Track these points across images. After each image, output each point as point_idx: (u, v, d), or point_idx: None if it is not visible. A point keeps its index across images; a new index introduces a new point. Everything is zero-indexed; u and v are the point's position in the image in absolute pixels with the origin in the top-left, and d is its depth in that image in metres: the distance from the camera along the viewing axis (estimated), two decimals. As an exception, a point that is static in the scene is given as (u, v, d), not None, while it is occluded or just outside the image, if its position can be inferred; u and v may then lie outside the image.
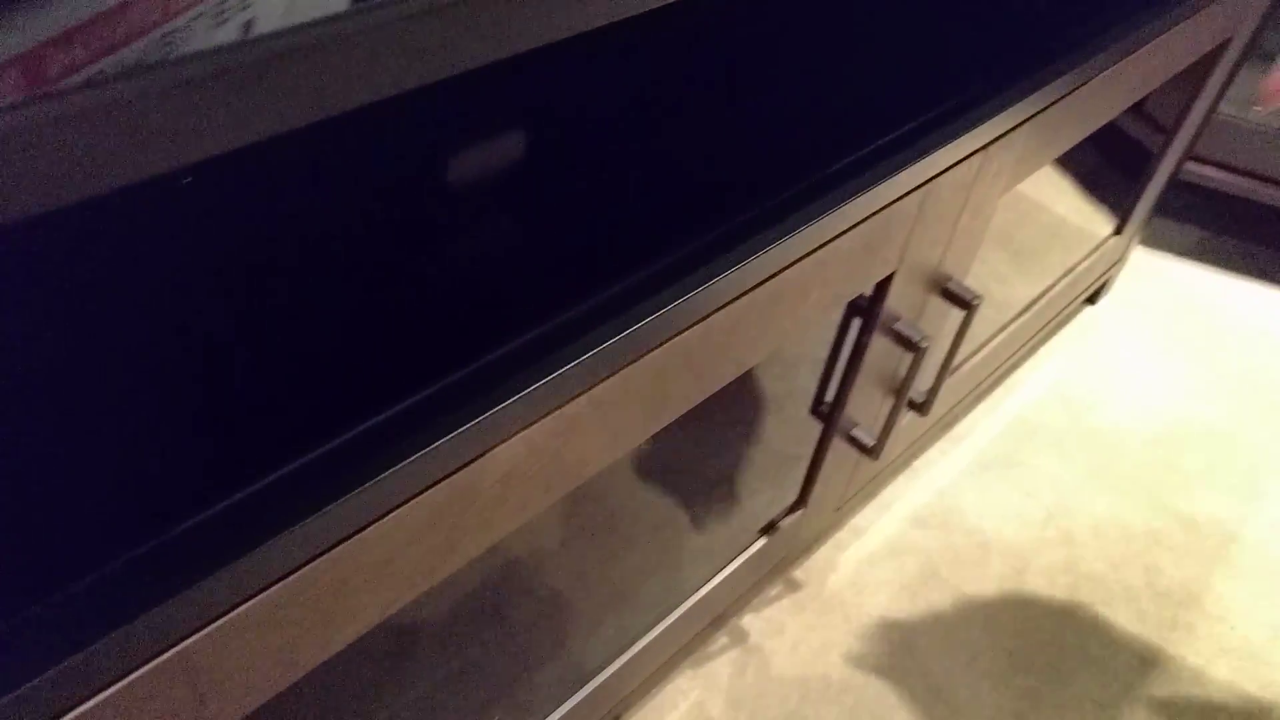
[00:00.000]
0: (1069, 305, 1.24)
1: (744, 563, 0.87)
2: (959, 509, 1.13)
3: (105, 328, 0.42)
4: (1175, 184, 1.57)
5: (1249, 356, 1.36)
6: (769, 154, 0.59)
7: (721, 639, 0.98)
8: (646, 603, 0.78)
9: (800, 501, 0.90)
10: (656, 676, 0.94)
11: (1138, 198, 1.17)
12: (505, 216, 0.51)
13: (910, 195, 0.64)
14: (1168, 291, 1.45)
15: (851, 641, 0.99)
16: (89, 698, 0.34)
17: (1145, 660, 1.00)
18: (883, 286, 0.71)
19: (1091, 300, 1.41)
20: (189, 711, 0.38)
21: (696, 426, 0.64)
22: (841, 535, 1.09)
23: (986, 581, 1.06)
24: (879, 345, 0.77)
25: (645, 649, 0.81)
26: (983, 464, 1.19)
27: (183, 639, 0.36)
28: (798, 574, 1.05)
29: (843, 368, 0.77)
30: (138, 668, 0.35)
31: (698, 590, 0.83)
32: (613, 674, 0.78)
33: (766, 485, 0.83)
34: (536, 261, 0.49)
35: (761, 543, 0.87)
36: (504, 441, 0.44)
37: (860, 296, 0.71)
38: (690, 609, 0.84)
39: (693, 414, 0.61)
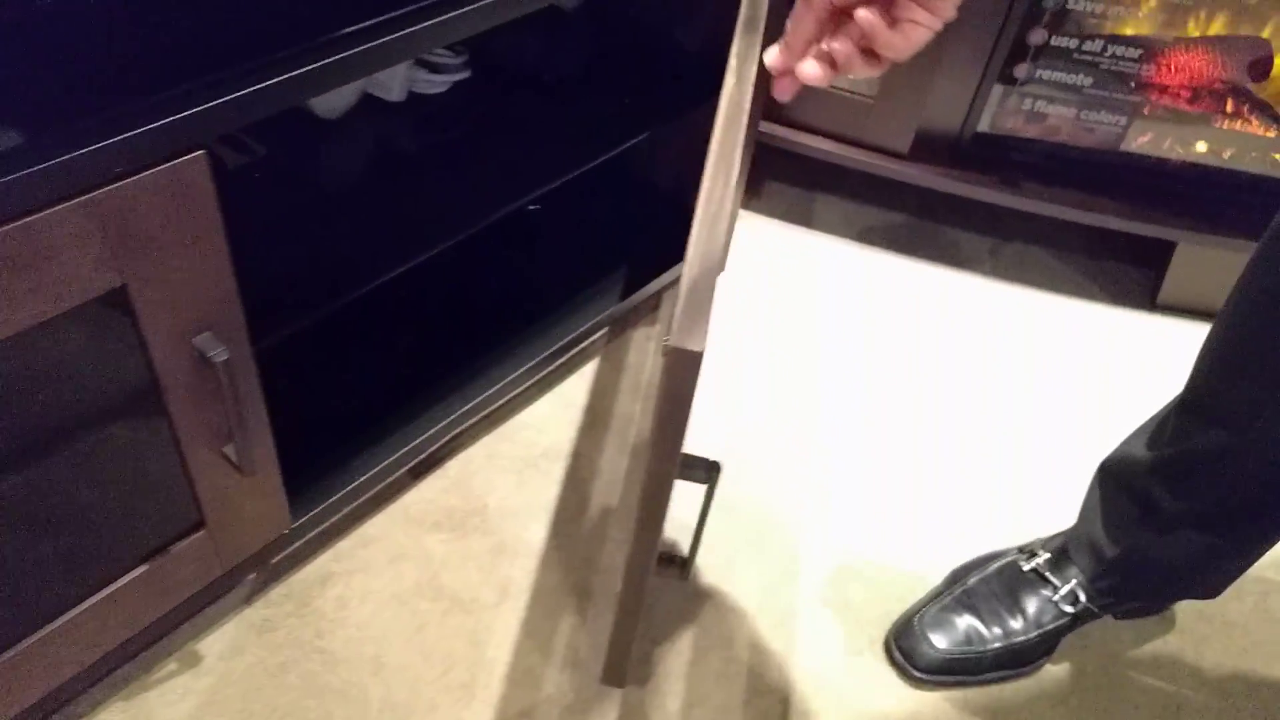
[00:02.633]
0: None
1: (128, 589, 0.81)
2: (484, 509, 1.09)
3: None
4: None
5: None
6: None
7: (170, 665, 0.93)
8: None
9: (199, 524, 0.84)
10: (75, 709, 0.88)
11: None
12: None
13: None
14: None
15: (315, 661, 0.94)
16: None
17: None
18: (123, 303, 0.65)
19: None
20: None
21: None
22: (345, 544, 1.04)
23: (489, 589, 1.02)
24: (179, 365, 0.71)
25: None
26: (529, 459, 1.15)
27: None
28: (280, 590, 0.99)
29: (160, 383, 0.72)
30: None
31: (54, 619, 0.77)
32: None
33: (138, 507, 0.78)
34: None
35: (143, 569, 0.82)
36: None
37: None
38: (55, 638, 0.78)
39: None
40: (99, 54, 0.64)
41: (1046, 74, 1.25)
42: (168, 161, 0.61)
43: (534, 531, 1.08)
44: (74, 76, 0.62)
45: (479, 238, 1.13)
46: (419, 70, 1.01)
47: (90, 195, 0.59)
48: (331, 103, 0.96)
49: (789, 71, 0.61)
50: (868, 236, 1.51)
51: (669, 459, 0.65)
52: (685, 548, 1.06)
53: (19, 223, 0.57)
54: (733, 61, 0.73)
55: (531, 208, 1.29)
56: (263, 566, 0.98)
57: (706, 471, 0.68)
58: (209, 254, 0.68)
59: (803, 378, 1.28)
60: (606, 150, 1.05)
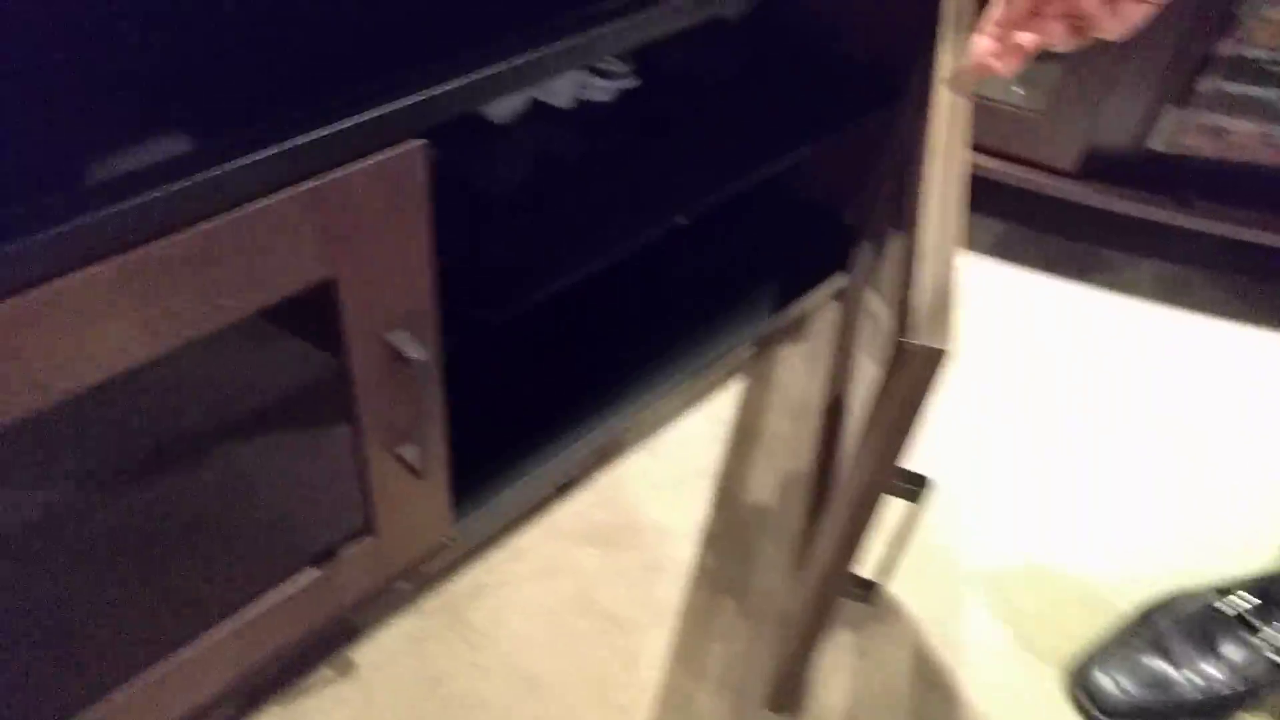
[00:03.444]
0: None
1: (300, 592, 0.80)
2: (634, 525, 1.06)
3: None
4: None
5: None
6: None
7: (325, 672, 0.91)
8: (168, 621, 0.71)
9: (368, 529, 0.82)
10: (235, 713, 0.87)
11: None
12: None
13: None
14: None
15: (470, 675, 0.92)
16: None
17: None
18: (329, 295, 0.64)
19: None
20: None
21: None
22: (496, 556, 1.02)
23: (642, 607, 0.98)
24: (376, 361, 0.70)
25: (171, 677, 0.74)
26: (679, 476, 1.11)
27: None
28: (434, 601, 0.97)
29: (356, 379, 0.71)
30: None
31: (225, 620, 0.76)
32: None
33: (305, 509, 0.77)
34: None
35: (314, 573, 0.80)
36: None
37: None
38: (225, 639, 0.77)
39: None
40: (321, 40, 0.64)
41: (1232, 88, 1.18)
42: (386, 150, 0.60)
43: (684, 549, 1.04)
44: (295, 63, 0.61)
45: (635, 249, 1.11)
46: (589, 76, 1.00)
47: (308, 184, 0.58)
48: (503, 107, 0.96)
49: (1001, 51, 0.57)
50: (1019, 255, 1.45)
51: (888, 468, 0.61)
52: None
53: (238, 211, 0.56)
54: (947, 58, 0.69)
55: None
56: (418, 576, 0.96)
57: (919, 486, 0.64)
58: (415, 248, 0.66)
59: (959, 400, 1.23)
60: (771, 163, 1.02)
